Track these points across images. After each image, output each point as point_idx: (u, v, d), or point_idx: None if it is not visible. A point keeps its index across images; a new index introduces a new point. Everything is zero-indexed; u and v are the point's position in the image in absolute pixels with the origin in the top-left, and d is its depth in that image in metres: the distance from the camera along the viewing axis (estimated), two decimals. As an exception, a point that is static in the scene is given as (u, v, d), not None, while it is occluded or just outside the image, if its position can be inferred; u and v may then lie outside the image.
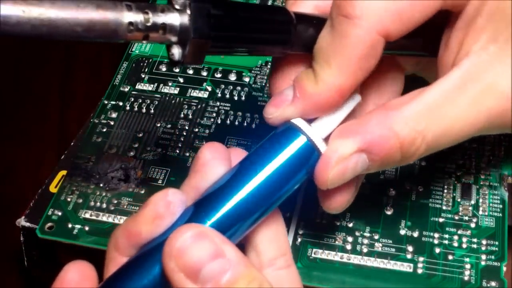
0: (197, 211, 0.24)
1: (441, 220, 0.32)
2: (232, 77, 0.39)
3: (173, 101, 0.38)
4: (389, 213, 0.33)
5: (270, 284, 0.23)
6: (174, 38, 0.25)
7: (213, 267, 0.22)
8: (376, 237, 0.32)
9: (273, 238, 0.26)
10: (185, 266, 0.22)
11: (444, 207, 0.33)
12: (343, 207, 0.28)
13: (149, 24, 0.24)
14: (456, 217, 0.32)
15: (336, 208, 0.28)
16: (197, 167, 0.25)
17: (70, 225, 0.33)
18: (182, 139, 0.36)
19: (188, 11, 0.24)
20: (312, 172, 0.26)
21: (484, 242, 0.31)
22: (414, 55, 0.29)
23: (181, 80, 0.39)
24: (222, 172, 0.25)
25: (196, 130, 0.37)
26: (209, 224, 0.24)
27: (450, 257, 0.31)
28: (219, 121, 0.37)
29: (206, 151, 0.25)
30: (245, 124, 0.37)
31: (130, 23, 0.24)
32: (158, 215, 0.24)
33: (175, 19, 0.24)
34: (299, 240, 0.32)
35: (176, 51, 0.25)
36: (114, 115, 0.38)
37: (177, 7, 0.25)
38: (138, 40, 0.24)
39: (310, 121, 0.26)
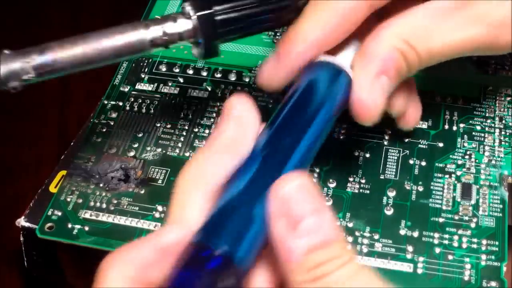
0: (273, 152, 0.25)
1: (441, 220, 0.32)
2: (232, 77, 0.39)
3: (173, 101, 0.38)
4: (389, 213, 0.33)
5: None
6: (189, 41, 0.30)
7: (312, 222, 0.22)
8: (376, 237, 0.32)
9: None
10: (287, 213, 0.22)
11: (444, 207, 0.33)
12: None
13: (166, 37, 0.29)
14: (456, 217, 0.32)
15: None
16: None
17: (70, 225, 0.33)
18: (182, 139, 0.36)
19: (194, 16, 0.29)
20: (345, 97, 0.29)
21: (484, 242, 0.31)
22: None
23: (181, 80, 0.39)
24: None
25: (196, 130, 0.37)
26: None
27: (450, 257, 0.31)
28: (219, 121, 0.37)
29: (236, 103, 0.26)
30: (245, 124, 0.37)
31: (151, 41, 0.29)
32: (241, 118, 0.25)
33: (186, 25, 0.29)
34: (299, 240, 0.32)
35: (195, 51, 0.31)
36: (114, 115, 0.38)
37: (186, 13, 0.29)
38: (161, 49, 0.30)
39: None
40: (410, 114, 0.33)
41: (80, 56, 0.28)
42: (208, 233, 0.22)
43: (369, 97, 0.28)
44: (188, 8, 0.30)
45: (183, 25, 0.29)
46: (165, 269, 0.22)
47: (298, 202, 0.22)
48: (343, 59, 0.29)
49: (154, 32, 0.29)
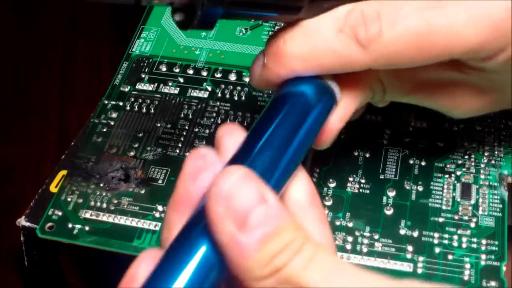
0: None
1: (441, 220, 0.32)
2: (232, 77, 0.39)
3: (173, 101, 0.38)
4: (389, 213, 0.33)
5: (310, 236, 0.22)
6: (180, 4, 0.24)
7: (260, 212, 0.21)
8: (376, 237, 0.32)
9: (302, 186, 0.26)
10: (234, 211, 0.21)
11: (444, 207, 0.33)
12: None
13: None
14: (456, 217, 0.32)
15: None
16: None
17: (70, 225, 0.33)
18: (182, 139, 0.36)
19: None
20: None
21: (484, 242, 0.31)
22: None
23: (181, 80, 0.39)
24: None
25: (196, 130, 0.37)
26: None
27: (450, 257, 0.31)
28: (219, 121, 0.37)
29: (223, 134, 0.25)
30: (245, 124, 0.37)
31: None
32: (199, 169, 0.23)
33: None
34: (299, 240, 0.32)
35: (179, 17, 0.25)
36: (114, 115, 0.38)
37: None
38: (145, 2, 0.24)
39: None
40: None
41: None
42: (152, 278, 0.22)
43: (339, 128, 0.28)
44: None
45: None
46: None
47: (243, 195, 0.21)
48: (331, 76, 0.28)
49: None
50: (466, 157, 0.35)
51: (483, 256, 0.31)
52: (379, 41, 0.25)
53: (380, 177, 0.34)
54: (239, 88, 0.38)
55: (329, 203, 0.33)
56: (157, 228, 0.33)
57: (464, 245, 0.31)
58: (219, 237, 0.21)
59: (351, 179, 0.34)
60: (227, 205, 0.21)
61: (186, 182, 0.23)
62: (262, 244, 0.21)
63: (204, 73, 0.39)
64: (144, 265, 0.22)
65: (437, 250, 0.31)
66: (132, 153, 0.36)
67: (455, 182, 0.34)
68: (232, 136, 0.25)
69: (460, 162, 0.34)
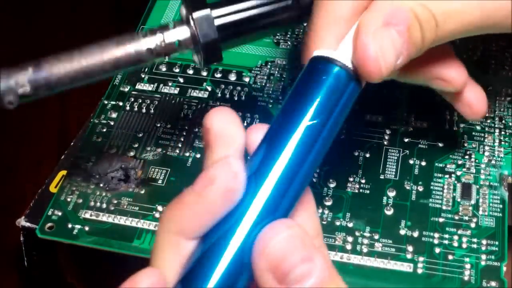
0: (257, 183, 0.23)
1: (441, 220, 0.32)
2: (232, 77, 0.39)
3: (173, 101, 0.38)
4: (389, 213, 0.33)
5: None
6: (190, 48, 0.29)
7: (302, 270, 0.22)
8: (376, 237, 0.32)
9: (309, 217, 0.25)
10: (276, 268, 0.22)
11: (444, 207, 0.33)
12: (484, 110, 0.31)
13: (164, 44, 0.28)
14: (456, 217, 0.32)
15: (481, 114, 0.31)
16: (212, 141, 0.24)
17: (70, 225, 0.33)
18: (182, 139, 0.36)
19: (192, 22, 0.28)
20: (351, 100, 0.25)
21: (484, 242, 0.31)
22: None
23: (181, 80, 0.39)
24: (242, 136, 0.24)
25: (196, 130, 0.37)
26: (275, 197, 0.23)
27: (450, 257, 0.31)
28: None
29: (215, 120, 0.24)
30: (245, 124, 0.37)
31: (149, 49, 0.28)
32: (230, 189, 0.22)
33: (185, 32, 0.29)
34: (299, 240, 0.32)
35: (196, 58, 0.30)
36: (114, 115, 0.38)
37: (184, 20, 0.29)
38: (161, 59, 0.29)
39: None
40: (470, 97, 0.31)
41: (78, 69, 0.27)
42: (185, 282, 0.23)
43: (376, 44, 0.25)
44: (185, 11, 0.29)
45: (181, 31, 0.29)
46: None
47: (286, 256, 0.22)
48: (344, 51, 0.26)
49: (151, 41, 0.28)
50: (466, 157, 0.35)
51: (483, 256, 0.31)
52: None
53: (380, 177, 0.34)
54: (239, 88, 0.38)
55: (329, 203, 0.33)
56: (157, 229, 0.33)
57: (464, 245, 0.31)
58: (260, 284, 0.22)
59: (351, 179, 0.34)
60: (270, 262, 0.22)
61: (223, 199, 0.23)
62: None
63: (204, 73, 0.39)
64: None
65: (437, 250, 0.31)
66: (132, 153, 0.36)
67: (455, 182, 0.34)
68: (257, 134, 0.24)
69: (460, 162, 0.34)
